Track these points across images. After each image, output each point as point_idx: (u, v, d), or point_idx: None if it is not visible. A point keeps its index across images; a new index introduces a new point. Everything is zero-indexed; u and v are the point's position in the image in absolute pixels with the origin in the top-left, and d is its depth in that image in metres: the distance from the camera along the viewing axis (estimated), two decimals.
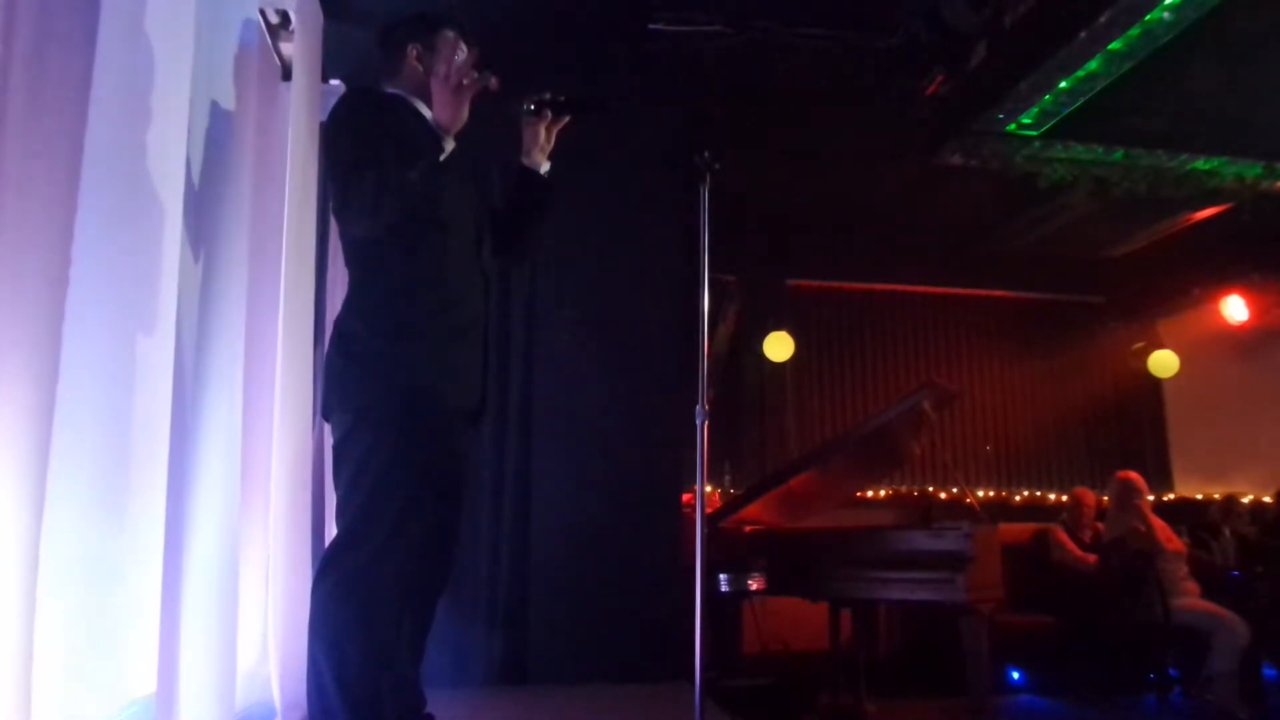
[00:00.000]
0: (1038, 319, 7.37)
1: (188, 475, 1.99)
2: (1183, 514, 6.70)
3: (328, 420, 2.15)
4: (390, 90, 2.31)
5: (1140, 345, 7.26)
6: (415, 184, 2.04)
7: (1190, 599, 5.20)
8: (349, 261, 2.22)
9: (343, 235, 2.24)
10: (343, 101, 2.24)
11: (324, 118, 3.83)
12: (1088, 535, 5.67)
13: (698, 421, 2.57)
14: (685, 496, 4.88)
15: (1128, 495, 5.40)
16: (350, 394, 2.09)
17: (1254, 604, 5.25)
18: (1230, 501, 6.51)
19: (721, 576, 4.35)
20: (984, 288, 7.24)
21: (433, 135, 2.12)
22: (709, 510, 5.72)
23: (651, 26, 4.30)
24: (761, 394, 6.80)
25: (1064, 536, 5.63)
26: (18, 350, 1.25)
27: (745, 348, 6.76)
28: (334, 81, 3.96)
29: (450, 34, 2.33)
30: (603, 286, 4.57)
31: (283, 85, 3.48)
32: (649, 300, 4.59)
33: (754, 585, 4.33)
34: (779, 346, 6.64)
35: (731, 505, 5.12)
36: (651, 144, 4.60)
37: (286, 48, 3.53)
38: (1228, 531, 6.19)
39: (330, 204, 2.21)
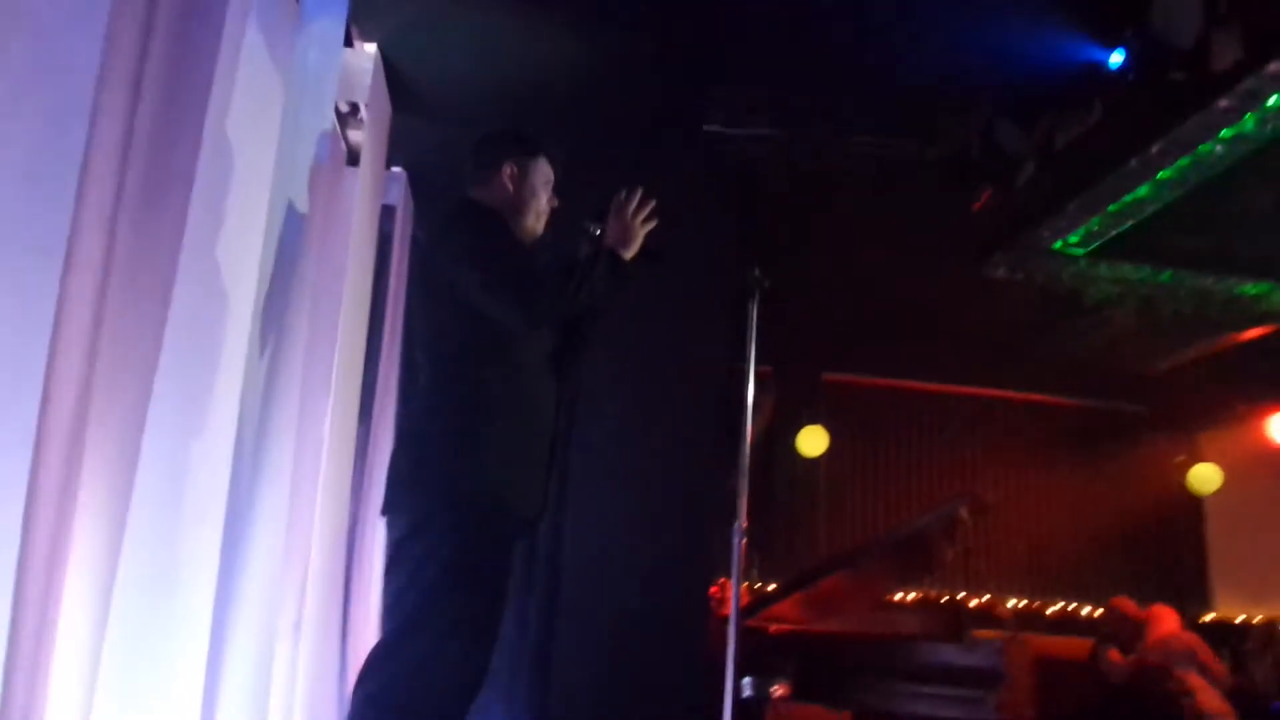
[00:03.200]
0: (1078, 427, 7.30)
1: (235, 568, 2.01)
2: (1222, 635, 6.51)
3: (385, 516, 2.18)
4: (474, 198, 2.40)
5: (1182, 459, 7.16)
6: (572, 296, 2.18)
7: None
8: (428, 361, 2.26)
9: (426, 335, 2.29)
10: (457, 207, 2.35)
11: (387, 201, 3.98)
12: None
13: (734, 540, 2.58)
14: (712, 589, 4.84)
15: None
16: (415, 497, 2.12)
17: None
18: (1271, 626, 6.33)
19: (746, 681, 4.27)
20: (1024, 391, 7.20)
21: (518, 244, 2.28)
22: (728, 613, 5.65)
23: (706, 128, 4.40)
24: (793, 488, 6.76)
25: (1116, 654, 5.48)
26: (104, 449, 1.30)
27: (779, 441, 6.74)
28: (395, 169, 4.10)
29: (544, 161, 2.43)
30: (644, 379, 4.60)
31: (347, 170, 3.60)
32: (688, 396, 4.62)
33: (778, 692, 4.25)
34: (813, 441, 6.63)
35: (759, 603, 5.06)
36: (699, 241, 4.66)
37: (354, 135, 3.67)
38: (1270, 658, 6.01)
39: (460, 289, 2.25)
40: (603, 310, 2.45)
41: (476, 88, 3.81)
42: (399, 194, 4.12)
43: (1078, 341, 5.46)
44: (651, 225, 2.33)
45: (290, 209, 2.48)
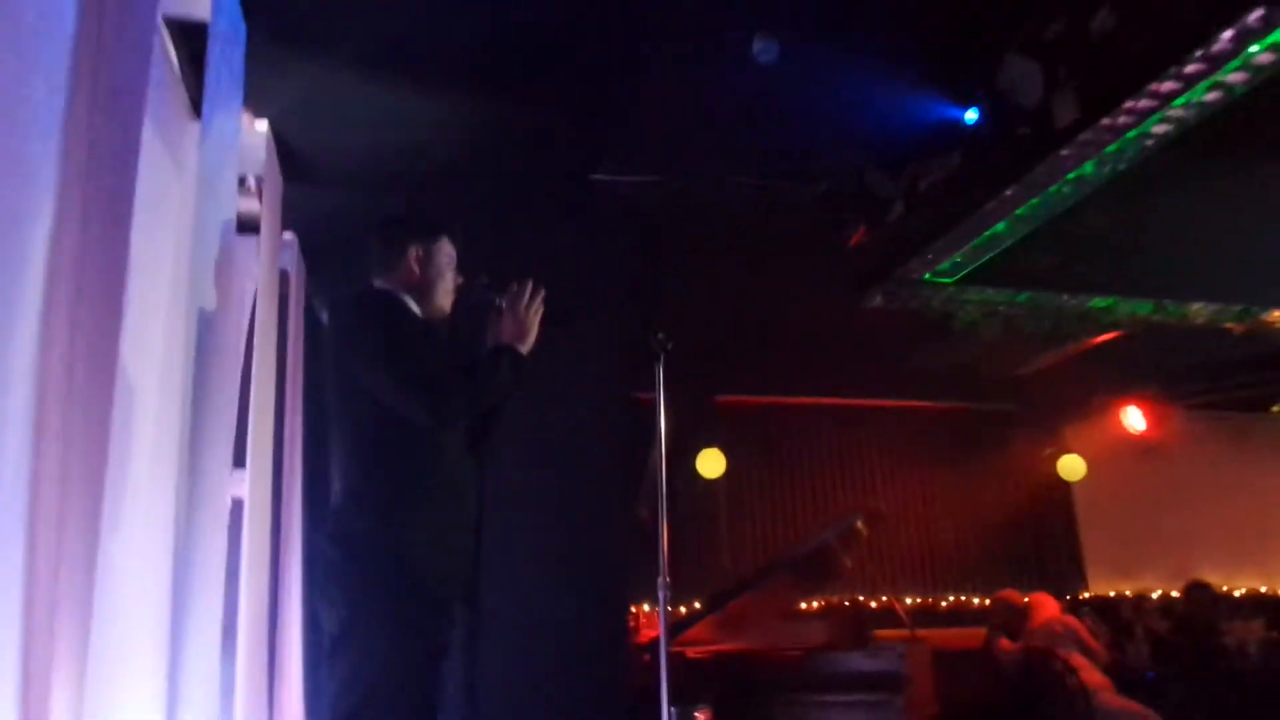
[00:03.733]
0: (953, 428, 7.73)
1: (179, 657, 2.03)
2: (1098, 612, 7.00)
3: (316, 605, 2.22)
4: (380, 285, 2.46)
5: (1050, 451, 7.67)
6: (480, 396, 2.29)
7: (1110, 695, 5.41)
8: (347, 451, 2.31)
9: (343, 424, 2.34)
10: (364, 301, 2.41)
11: (284, 267, 3.96)
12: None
13: (660, 595, 2.73)
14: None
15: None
16: (346, 588, 2.17)
17: (1168, 703, 5.52)
18: (1140, 600, 6.85)
19: (671, 710, 4.40)
20: (903, 399, 7.59)
21: (427, 333, 2.34)
22: (647, 637, 5.79)
23: (593, 177, 4.54)
24: (695, 510, 6.94)
25: (1006, 642, 5.83)
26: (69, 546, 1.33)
27: (678, 465, 6.92)
28: (286, 235, 4.09)
29: (446, 240, 2.53)
30: (545, 418, 4.69)
31: (242, 239, 3.59)
32: (589, 433, 4.73)
33: (701, 718, 4.40)
34: (711, 463, 6.83)
35: (674, 629, 5.20)
36: (593, 285, 4.79)
37: (246, 204, 3.65)
38: (1140, 631, 6.51)
39: (356, 395, 2.31)
40: (507, 398, 2.55)
41: (363, 154, 3.85)
42: (291, 259, 4.12)
43: (950, 355, 5.82)
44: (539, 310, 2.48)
45: (195, 286, 2.49)
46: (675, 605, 6.33)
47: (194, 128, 2.64)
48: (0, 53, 1.38)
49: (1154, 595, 7.45)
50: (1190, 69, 2.69)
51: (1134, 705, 5.33)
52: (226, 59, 2.43)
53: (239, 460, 2.93)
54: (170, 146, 2.50)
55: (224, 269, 2.46)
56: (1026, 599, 6.07)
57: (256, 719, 2.88)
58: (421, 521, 2.23)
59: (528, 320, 2.45)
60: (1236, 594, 7.40)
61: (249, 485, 2.94)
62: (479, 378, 2.34)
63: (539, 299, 2.50)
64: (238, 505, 2.92)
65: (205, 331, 2.35)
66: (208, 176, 2.23)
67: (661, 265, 5.31)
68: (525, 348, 2.45)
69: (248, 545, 2.84)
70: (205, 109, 2.30)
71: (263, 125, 3.24)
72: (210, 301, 2.27)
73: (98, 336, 1.53)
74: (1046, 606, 5.94)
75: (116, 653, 1.86)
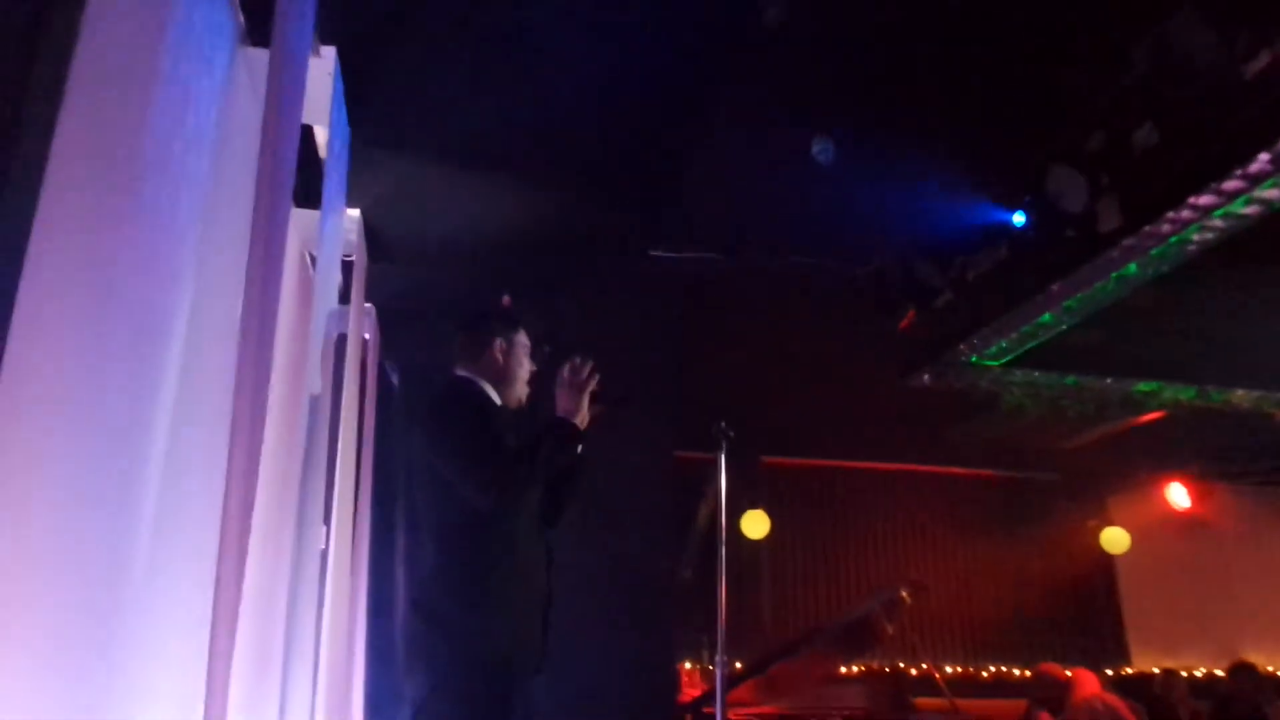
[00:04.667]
0: (997, 497, 7.80)
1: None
2: (1137, 688, 6.97)
3: (405, 677, 2.42)
4: (463, 374, 2.67)
5: (1094, 523, 7.69)
6: (537, 473, 2.44)
7: None
8: (430, 533, 2.51)
9: (426, 508, 2.54)
10: (450, 390, 2.61)
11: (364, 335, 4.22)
12: None
13: (718, 670, 2.87)
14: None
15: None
16: (431, 661, 2.36)
17: None
18: (1169, 676, 6.81)
19: None
20: (948, 466, 7.68)
21: (502, 418, 2.51)
22: (691, 696, 5.90)
23: (651, 253, 4.77)
24: (739, 569, 7.05)
25: (1047, 717, 5.84)
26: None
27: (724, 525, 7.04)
28: (367, 305, 4.36)
29: (523, 332, 2.75)
30: (599, 485, 4.87)
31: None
32: (640, 500, 4.89)
33: None
34: (755, 524, 6.96)
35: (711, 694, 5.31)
36: (647, 355, 4.99)
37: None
38: (1184, 712, 6.47)
39: (434, 477, 2.51)
40: (577, 471, 2.73)
41: (436, 236, 4.12)
42: (370, 327, 4.38)
43: (995, 428, 5.93)
44: (594, 384, 2.61)
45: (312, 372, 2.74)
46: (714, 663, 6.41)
47: (294, 213, 2.92)
48: (150, 157, 1.61)
49: (1199, 673, 7.39)
50: (1229, 185, 2.85)
51: None
52: (337, 163, 2.70)
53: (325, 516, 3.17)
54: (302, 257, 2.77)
55: (327, 353, 2.70)
56: (1069, 674, 6.09)
57: None
58: (497, 602, 2.41)
59: (582, 396, 2.58)
60: None
61: (334, 540, 3.17)
62: (535, 452, 2.47)
63: (593, 373, 2.62)
64: (322, 556, 3.16)
65: (311, 409, 2.59)
66: (325, 271, 2.47)
67: (713, 333, 5.51)
68: (578, 419, 2.57)
69: (331, 593, 3.06)
70: (324, 208, 2.55)
71: (354, 213, 3.52)
72: (316, 385, 2.50)
73: (250, 427, 1.74)
74: (1088, 683, 5.94)
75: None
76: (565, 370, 2.61)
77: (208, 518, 1.69)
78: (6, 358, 1.21)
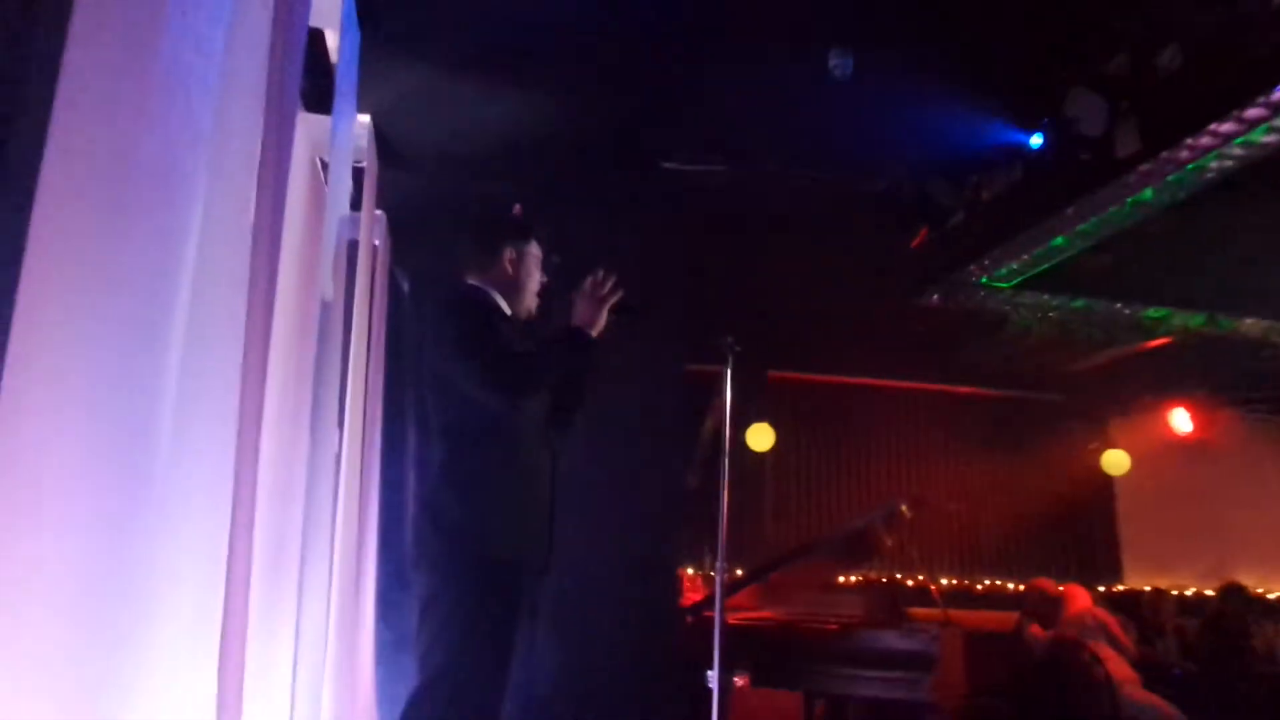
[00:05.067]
0: (1000, 416, 7.86)
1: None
2: (1124, 608, 7.14)
3: (412, 572, 2.51)
4: (474, 282, 2.69)
5: (1095, 445, 7.77)
6: (549, 374, 2.49)
7: (1135, 688, 5.57)
8: (439, 436, 2.57)
9: (435, 413, 2.60)
10: (458, 299, 2.64)
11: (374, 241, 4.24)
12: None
13: (718, 575, 2.95)
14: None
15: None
16: (438, 560, 2.45)
17: (1193, 701, 5.66)
18: (1158, 594, 6.97)
19: (709, 674, 4.67)
20: (953, 384, 7.72)
21: (511, 327, 2.56)
22: (691, 600, 6.08)
23: (664, 165, 4.73)
24: (743, 480, 7.18)
25: (1037, 629, 6.01)
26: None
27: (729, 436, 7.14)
28: (377, 212, 4.36)
29: (535, 243, 2.75)
30: (608, 393, 4.94)
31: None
32: (650, 408, 4.96)
33: (740, 682, 4.66)
34: (760, 437, 7.05)
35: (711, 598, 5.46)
36: (658, 267, 4.99)
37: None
38: (1170, 628, 6.64)
39: (442, 382, 2.56)
40: (584, 379, 2.77)
41: (448, 142, 4.09)
42: (380, 233, 4.39)
43: (1002, 349, 5.96)
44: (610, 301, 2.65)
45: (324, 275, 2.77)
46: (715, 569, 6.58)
47: (303, 118, 2.91)
48: (161, 67, 1.61)
49: (1189, 593, 7.56)
50: (1251, 113, 2.80)
51: (1159, 700, 5.48)
52: (348, 68, 2.68)
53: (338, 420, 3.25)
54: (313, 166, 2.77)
55: (339, 259, 2.73)
56: (1061, 589, 6.23)
57: (344, 646, 3.22)
58: (501, 504, 2.49)
59: (601, 309, 2.62)
60: (1270, 597, 7.49)
61: (346, 443, 3.26)
62: (547, 355, 2.54)
63: (614, 287, 2.66)
64: (335, 459, 3.25)
65: (324, 313, 2.63)
66: (336, 177, 2.48)
67: (723, 247, 5.50)
68: (594, 331, 2.62)
69: (343, 497, 3.15)
70: (334, 114, 2.55)
71: (365, 119, 3.49)
72: (329, 291, 2.53)
73: (260, 328, 1.78)
74: (1079, 598, 6.09)
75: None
76: (588, 283, 2.64)
77: (222, 420, 1.75)
78: (25, 266, 1.24)
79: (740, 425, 7.06)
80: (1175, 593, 7.47)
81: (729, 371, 2.95)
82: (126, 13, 1.49)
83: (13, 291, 1.24)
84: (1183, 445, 7.52)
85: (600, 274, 2.70)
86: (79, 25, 1.37)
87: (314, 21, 2.74)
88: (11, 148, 1.51)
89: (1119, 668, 5.59)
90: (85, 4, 1.38)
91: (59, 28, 1.40)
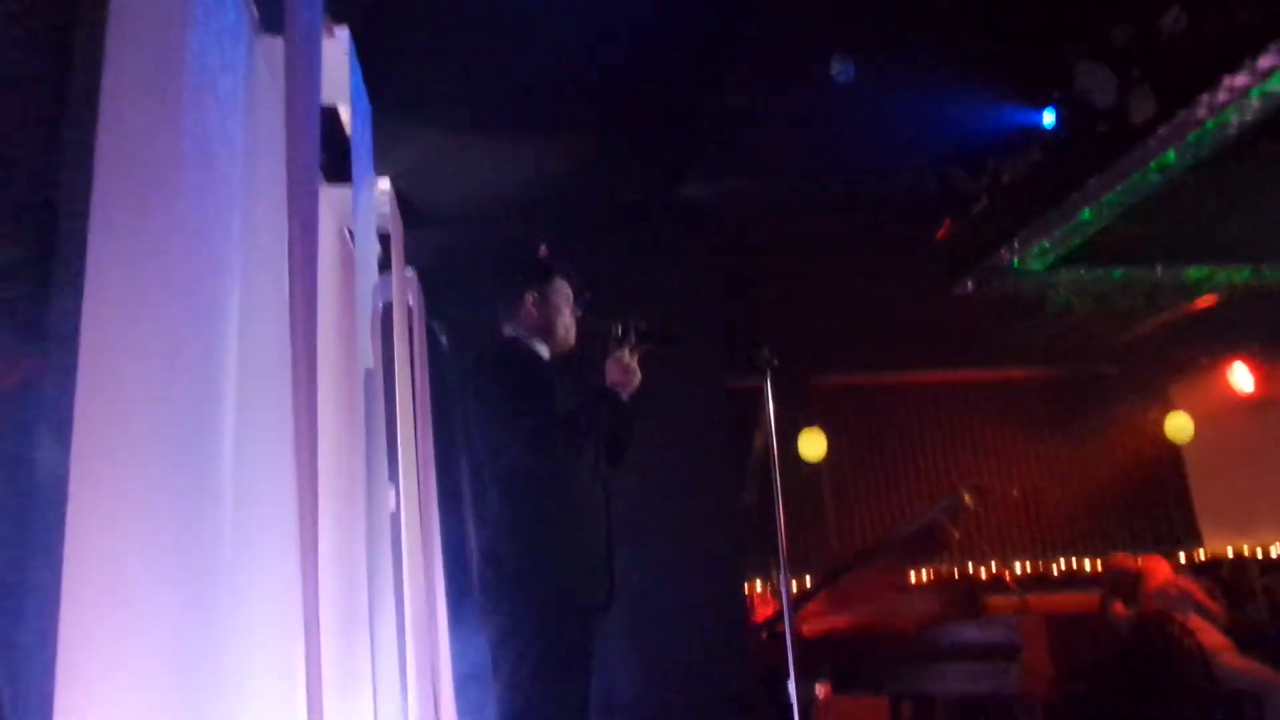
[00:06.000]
0: (1055, 395, 7.74)
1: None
2: (1211, 572, 6.95)
3: (483, 622, 2.56)
4: (510, 333, 2.74)
5: (1156, 412, 7.61)
6: (583, 430, 2.54)
7: (1231, 655, 5.41)
8: (492, 484, 2.62)
9: (485, 460, 2.65)
10: (490, 354, 2.71)
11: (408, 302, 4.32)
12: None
13: (782, 586, 2.95)
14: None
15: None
16: (503, 605, 2.49)
17: None
18: (1240, 561, 6.77)
19: (788, 687, 4.65)
20: (1003, 369, 7.62)
21: (551, 371, 2.61)
22: (761, 616, 6.05)
23: (682, 191, 4.77)
24: (799, 492, 7.14)
25: (1120, 607, 5.86)
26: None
27: (779, 449, 7.10)
28: (408, 271, 4.45)
29: (559, 280, 2.78)
30: (655, 422, 4.96)
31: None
32: (696, 429, 4.97)
33: (821, 693, 4.64)
34: (812, 445, 7.02)
35: (791, 606, 5.45)
36: (689, 292, 5.02)
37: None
38: (1260, 589, 6.45)
39: (489, 440, 2.62)
40: (627, 428, 2.79)
41: (471, 197, 4.18)
42: (413, 292, 4.47)
43: (1047, 328, 5.89)
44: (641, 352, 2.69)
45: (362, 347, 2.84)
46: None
47: (326, 192, 3.00)
48: (187, 164, 1.68)
49: (1275, 552, 7.35)
50: (1264, 63, 2.77)
51: (1255, 665, 5.33)
52: (362, 137, 2.75)
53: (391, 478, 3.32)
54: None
55: (375, 323, 2.79)
56: (1140, 563, 6.10)
57: (425, 703, 3.26)
58: (559, 546, 2.53)
59: (631, 370, 2.65)
60: None
61: (403, 500, 3.33)
62: (581, 422, 2.56)
63: (638, 343, 2.69)
64: (393, 518, 3.31)
65: (367, 381, 2.70)
66: (362, 243, 2.55)
67: (754, 263, 5.52)
68: (628, 392, 2.65)
69: (407, 553, 3.21)
70: (354, 186, 2.62)
71: (385, 183, 3.58)
72: (369, 359, 2.59)
73: (306, 402, 1.83)
74: (1160, 570, 5.95)
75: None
76: (612, 341, 2.68)
77: (280, 496, 1.80)
78: (81, 358, 1.30)
79: (789, 436, 7.03)
80: (1260, 553, 7.27)
81: (768, 384, 2.95)
82: (149, 113, 1.57)
83: (71, 388, 1.30)
84: (1247, 402, 7.33)
85: (619, 329, 2.72)
86: (104, 131, 1.44)
87: (325, 97, 2.83)
88: (56, 249, 1.59)
89: (1210, 636, 5.45)
90: (109, 106, 1.46)
91: (88, 129, 1.47)
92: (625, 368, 2.65)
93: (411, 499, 3.48)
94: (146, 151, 1.56)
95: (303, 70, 1.97)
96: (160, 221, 1.56)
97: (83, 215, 1.43)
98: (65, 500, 1.22)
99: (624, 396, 2.66)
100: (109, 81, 1.48)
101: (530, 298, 2.75)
